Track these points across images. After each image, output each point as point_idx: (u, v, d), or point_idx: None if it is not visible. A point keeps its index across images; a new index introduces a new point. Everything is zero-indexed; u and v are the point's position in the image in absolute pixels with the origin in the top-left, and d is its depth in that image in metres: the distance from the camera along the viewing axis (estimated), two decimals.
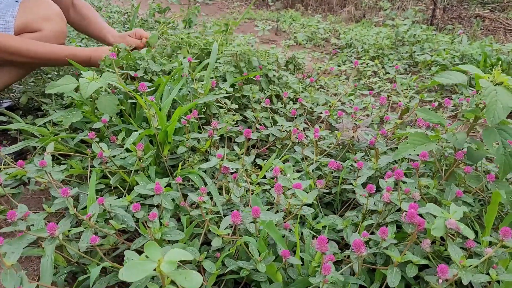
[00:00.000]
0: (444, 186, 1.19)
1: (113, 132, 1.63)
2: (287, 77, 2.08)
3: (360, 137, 1.47)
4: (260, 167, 1.59)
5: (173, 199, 1.26)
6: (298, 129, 1.63)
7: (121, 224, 1.10)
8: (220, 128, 1.50)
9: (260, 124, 1.82)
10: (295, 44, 4.83)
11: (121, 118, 1.76)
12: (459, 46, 3.79)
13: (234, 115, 1.78)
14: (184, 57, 1.94)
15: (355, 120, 1.68)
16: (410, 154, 1.20)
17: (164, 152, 1.45)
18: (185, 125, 1.46)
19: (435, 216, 1.00)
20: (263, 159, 1.77)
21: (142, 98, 1.48)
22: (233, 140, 1.76)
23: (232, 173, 1.32)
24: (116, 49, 1.71)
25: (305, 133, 1.67)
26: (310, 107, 2.01)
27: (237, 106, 1.82)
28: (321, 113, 1.77)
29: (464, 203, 1.15)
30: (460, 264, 0.92)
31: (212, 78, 1.92)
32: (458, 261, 0.92)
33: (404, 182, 1.14)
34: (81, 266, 1.20)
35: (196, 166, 1.42)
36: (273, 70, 2.04)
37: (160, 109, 1.53)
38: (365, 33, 4.72)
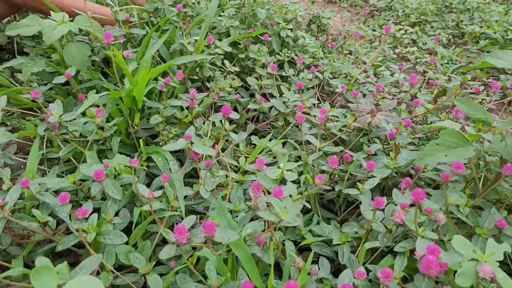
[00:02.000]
0: (481, 204, 0.90)
1: (87, 89, 1.38)
2: (304, 39, 1.76)
3: (379, 123, 1.17)
4: (255, 147, 1.32)
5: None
6: (304, 105, 1.33)
7: (49, 216, 0.86)
8: (204, 97, 1.21)
9: (263, 94, 1.53)
10: (326, 1, 4.41)
11: (103, 70, 1.50)
12: None
13: (233, 79, 1.49)
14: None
15: (377, 100, 1.37)
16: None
17: (134, 120, 1.18)
18: (163, 90, 1.18)
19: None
20: (263, 136, 1.49)
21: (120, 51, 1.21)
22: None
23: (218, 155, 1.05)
24: None
25: (312, 111, 1.37)
26: (329, 77, 1.70)
27: (238, 69, 1.52)
28: (337, 86, 1.47)
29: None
30: None
31: (212, 34, 1.62)
32: None
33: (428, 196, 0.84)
34: (10, 255, 0.98)
35: (171, 143, 1.15)
36: (288, 29, 1.71)
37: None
38: None
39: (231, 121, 1.45)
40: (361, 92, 1.53)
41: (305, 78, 1.58)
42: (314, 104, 1.40)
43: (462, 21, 3.39)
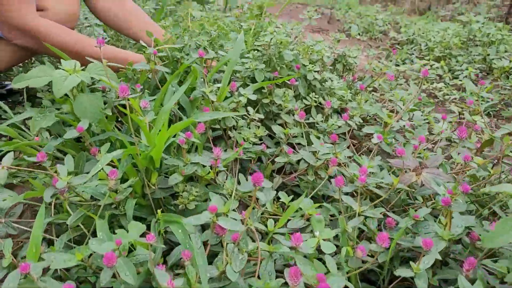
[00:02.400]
0: None
1: (101, 142, 1.27)
2: (332, 81, 1.65)
3: (427, 183, 1.03)
4: (283, 205, 1.19)
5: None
6: (337, 158, 1.20)
7: None
8: (227, 157, 1.09)
9: (291, 144, 1.41)
10: (349, 35, 4.33)
11: (119, 120, 1.41)
12: None
13: (257, 127, 1.38)
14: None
15: (418, 153, 1.23)
16: None
17: (151, 180, 1.07)
18: (182, 146, 1.07)
19: None
20: (292, 191, 1.36)
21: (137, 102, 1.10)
22: (253, 162, 1.36)
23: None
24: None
25: (345, 162, 1.24)
26: (359, 122, 1.57)
27: (262, 116, 1.41)
28: (371, 135, 1.33)
29: None
30: None
31: (238, 78, 1.52)
32: None
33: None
34: None
35: (191, 205, 1.03)
36: (315, 71, 1.61)
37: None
38: (430, 28, 4.15)
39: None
40: (396, 140, 1.40)
41: (334, 125, 1.46)
42: (347, 157, 1.27)
43: (488, 54, 3.26)
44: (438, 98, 2.67)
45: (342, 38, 1.97)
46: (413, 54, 3.52)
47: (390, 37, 4.28)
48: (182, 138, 1.07)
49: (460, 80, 2.91)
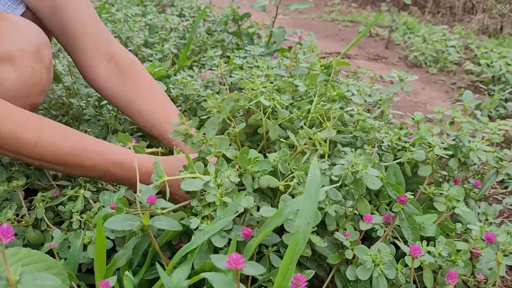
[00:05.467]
0: None
1: None
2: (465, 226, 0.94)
3: None
4: None
5: None
6: None
7: None
8: None
9: None
10: (414, 66, 3.58)
11: None
12: None
13: None
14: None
15: None
16: None
17: None
18: None
19: None
20: None
21: None
22: None
23: None
24: None
25: None
26: None
27: None
28: None
29: None
30: None
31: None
32: None
33: None
34: None
35: None
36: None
37: None
38: None
39: None
40: None
41: None
42: None
43: None
44: None
45: (458, 118, 1.27)
46: (507, 100, 2.73)
47: (465, 69, 3.49)
48: None
49: None
